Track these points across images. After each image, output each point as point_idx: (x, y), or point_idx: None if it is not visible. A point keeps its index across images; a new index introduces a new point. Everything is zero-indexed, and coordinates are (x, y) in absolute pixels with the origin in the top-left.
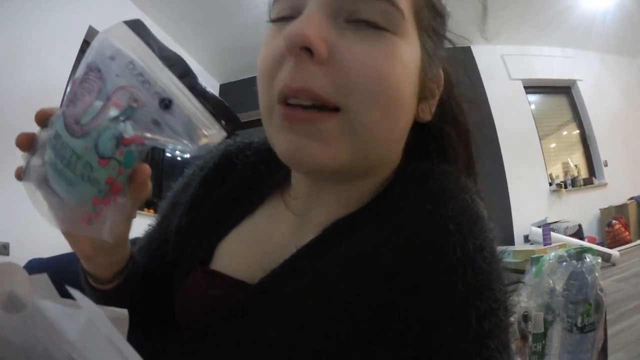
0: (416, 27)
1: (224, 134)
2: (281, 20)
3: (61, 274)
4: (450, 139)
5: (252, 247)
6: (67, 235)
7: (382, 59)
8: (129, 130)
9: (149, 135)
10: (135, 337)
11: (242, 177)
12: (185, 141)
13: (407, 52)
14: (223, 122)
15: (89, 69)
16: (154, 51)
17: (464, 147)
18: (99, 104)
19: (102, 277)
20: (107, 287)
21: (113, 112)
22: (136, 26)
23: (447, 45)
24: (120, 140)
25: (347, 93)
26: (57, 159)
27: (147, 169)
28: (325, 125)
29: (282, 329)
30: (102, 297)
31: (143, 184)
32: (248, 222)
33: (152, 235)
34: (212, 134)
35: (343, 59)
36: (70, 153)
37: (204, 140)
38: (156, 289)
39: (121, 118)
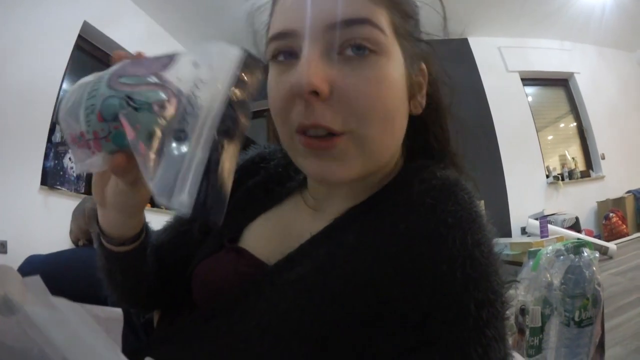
0: (396, 38)
1: None
2: (277, 59)
3: (59, 270)
4: (434, 124)
5: (275, 232)
6: (94, 177)
7: (372, 84)
8: (141, 119)
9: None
10: (142, 327)
11: (275, 172)
12: None
13: (392, 68)
14: None
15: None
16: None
17: (441, 130)
18: (144, 80)
19: (117, 237)
20: (120, 249)
21: (151, 98)
22: None
23: (444, 37)
24: (117, 116)
25: (349, 120)
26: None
27: (119, 161)
28: (338, 148)
29: (290, 304)
30: (115, 260)
31: (116, 169)
32: (276, 210)
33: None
34: None
35: (342, 93)
36: (93, 89)
37: None
38: (175, 265)
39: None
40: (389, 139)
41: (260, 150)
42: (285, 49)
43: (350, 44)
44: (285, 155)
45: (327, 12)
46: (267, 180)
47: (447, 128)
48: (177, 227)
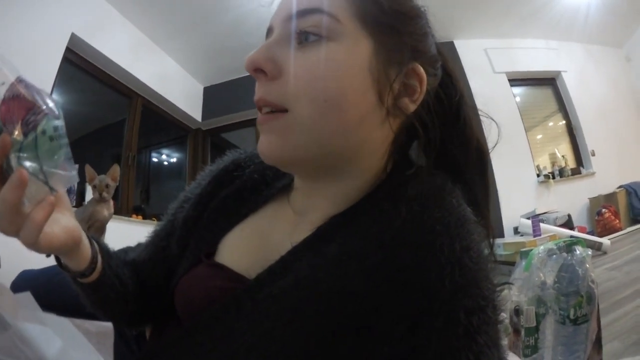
0: (360, 25)
1: None
2: None
3: (52, 284)
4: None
5: (253, 243)
6: None
7: (317, 66)
8: None
9: None
10: (134, 340)
11: (250, 179)
12: None
13: (342, 53)
14: None
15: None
16: None
17: (466, 149)
18: None
19: (76, 270)
20: (83, 280)
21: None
22: None
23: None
24: None
25: (291, 98)
26: None
27: None
28: (278, 122)
29: (274, 321)
30: (85, 289)
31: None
32: (251, 219)
33: (159, 230)
34: None
35: (289, 73)
36: None
37: None
38: (159, 281)
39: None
40: (334, 124)
41: (235, 156)
42: None
43: (302, 32)
44: (262, 161)
45: (288, 6)
46: (242, 188)
47: (467, 145)
48: (156, 243)
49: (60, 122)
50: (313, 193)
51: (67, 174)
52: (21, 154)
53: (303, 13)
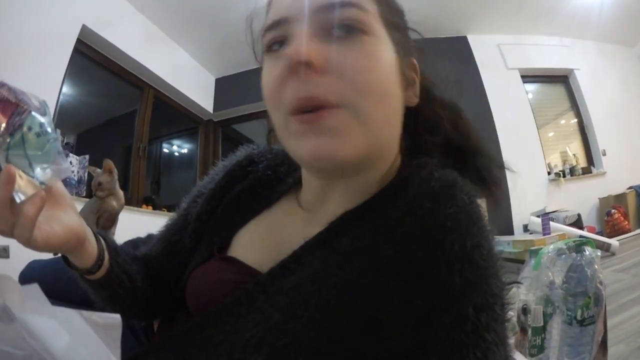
0: (383, 24)
1: None
2: (272, 49)
3: (60, 275)
4: (440, 119)
5: (266, 238)
6: None
7: (365, 57)
8: None
9: None
10: (142, 332)
11: (264, 175)
12: None
13: (380, 48)
14: None
15: None
16: None
17: (453, 127)
18: None
19: (82, 268)
20: (90, 277)
21: None
22: None
23: (445, 35)
24: None
25: (346, 92)
26: None
27: None
28: (334, 118)
29: (285, 315)
30: (92, 285)
31: None
32: (265, 215)
33: (172, 224)
34: None
35: (338, 65)
36: None
37: None
38: (170, 274)
39: None
40: (387, 116)
41: (249, 151)
42: (279, 38)
43: (339, 25)
44: (275, 156)
45: None
46: (255, 184)
47: (445, 125)
48: (168, 238)
49: (46, 119)
50: (328, 190)
51: (58, 167)
52: (9, 152)
53: (336, 5)
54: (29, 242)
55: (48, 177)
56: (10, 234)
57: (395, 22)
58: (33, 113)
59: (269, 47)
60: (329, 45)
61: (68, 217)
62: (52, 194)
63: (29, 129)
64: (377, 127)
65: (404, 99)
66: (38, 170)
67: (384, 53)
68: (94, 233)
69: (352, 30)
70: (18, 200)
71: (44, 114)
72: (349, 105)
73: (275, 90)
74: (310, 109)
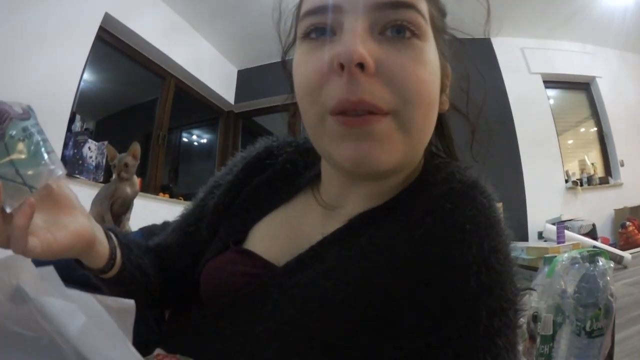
0: (432, 29)
1: None
2: (309, 37)
3: (71, 262)
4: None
5: (283, 232)
6: None
7: (417, 65)
8: None
9: None
10: (153, 318)
11: (283, 169)
12: None
13: (430, 55)
14: None
15: None
16: None
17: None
18: None
19: (94, 268)
20: (103, 276)
21: None
22: None
23: (466, 36)
24: None
25: (396, 99)
26: None
27: None
28: (380, 125)
29: (299, 309)
30: (109, 284)
31: None
32: (283, 209)
33: (188, 214)
34: None
35: (389, 70)
36: None
37: None
38: (185, 265)
39: None
40: (428, 127)
41: (268, 143)
42: (321, 25)
43: (393, 25)
44: (295, 149)
45: None
46: (274, 177)
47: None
48: (183, 228)
49: (29, 122)
50: (351, 188)
51: (49, 168)
52: None
53: (396, 5)
54: (26, 252)
55: (39, 180)
56: (7, 246)
57: (441, 26)
58: (14, 120)
59: (307, 34)
60: (381, 47)
61: (74, 221)
62: (54, 197)
63: (11, 136)
64: (418, 137)
65: (439, 105)
66: (27, 175)
67: (433, 61)
68: (104, 231)
69: (405, 33)
70: (8, 211)
71: (27, 118)
72: (397, 114)
73: (316, 85)
74: (356, 112)
